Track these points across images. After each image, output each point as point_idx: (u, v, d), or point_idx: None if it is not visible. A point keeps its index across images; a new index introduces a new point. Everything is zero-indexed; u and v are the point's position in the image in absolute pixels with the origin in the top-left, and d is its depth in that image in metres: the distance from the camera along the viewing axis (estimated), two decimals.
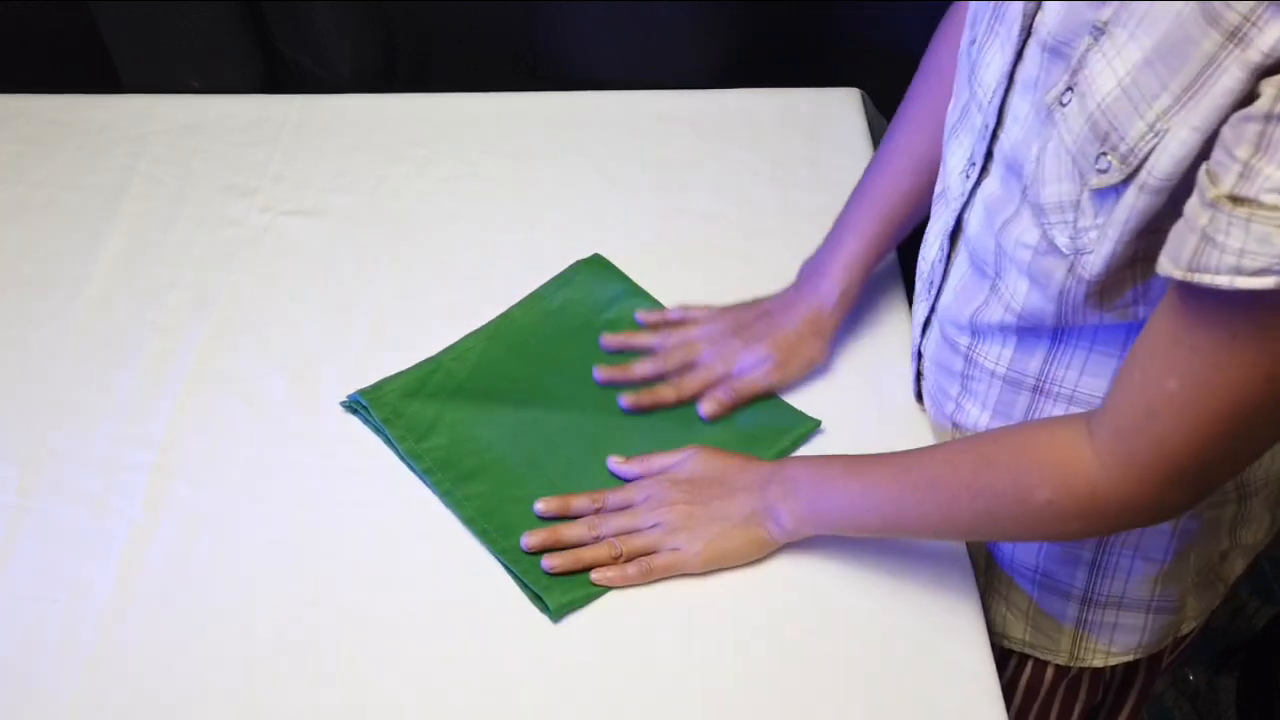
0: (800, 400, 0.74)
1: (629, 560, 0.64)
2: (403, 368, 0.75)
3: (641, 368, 0.73)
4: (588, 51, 0.94)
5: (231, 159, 0.89)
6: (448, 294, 0.80)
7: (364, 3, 0.92)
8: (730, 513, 0.64)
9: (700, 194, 0.86)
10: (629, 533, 0.65)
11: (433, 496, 0.69)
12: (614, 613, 0.64)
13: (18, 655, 0.62)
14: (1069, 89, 0.51)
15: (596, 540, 0.65)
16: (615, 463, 0.68)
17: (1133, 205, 0.50)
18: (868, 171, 0.74)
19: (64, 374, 0.75)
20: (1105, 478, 0.52)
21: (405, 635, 0.64)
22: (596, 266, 0.80)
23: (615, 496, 0.67)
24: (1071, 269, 0.54)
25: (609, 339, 0.75)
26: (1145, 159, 0.48)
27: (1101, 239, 0.51)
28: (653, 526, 0.65)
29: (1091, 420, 0.54)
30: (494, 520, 0.67)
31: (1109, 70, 0.48)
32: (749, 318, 0.73)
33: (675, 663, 0.62)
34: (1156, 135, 0.47)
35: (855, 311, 0.78)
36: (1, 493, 0.69)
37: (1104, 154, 0.49)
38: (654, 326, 0.75)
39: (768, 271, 0.79)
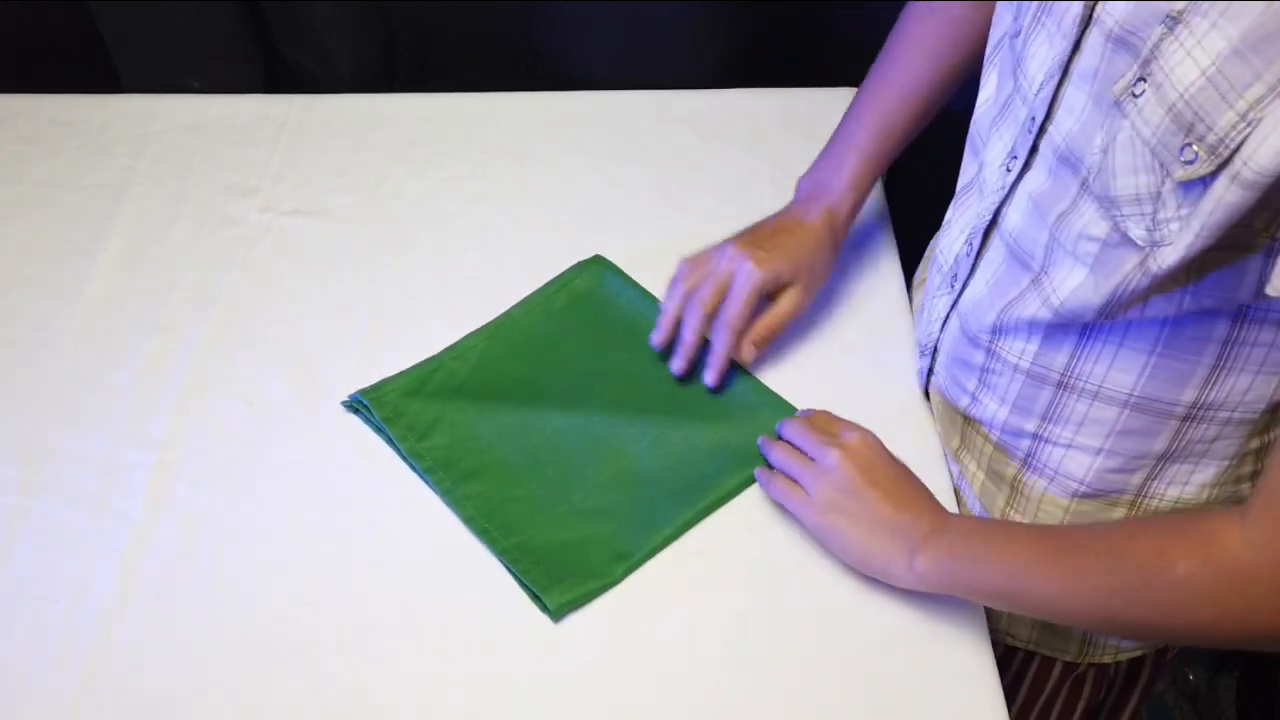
0: (802, 393, 0.74)
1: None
2: (403, 367, 0.75)
3: (688, 328, 0.70)
4: (588, 51, 0.95)
5: (232, 159, 0.89)
6: (448, 294, 0.80)
7: (364, 2, 0.93)
8: (875, 516, 0.62)
9: (701, 194, 0.86)
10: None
11: (433, 496, 0.69)
12: (614, 613, 0.65)
13: (17, 656, 0.62)
14: (1141, 79, 0.50)
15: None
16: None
17: (1221, 198, 0.48)
18: (866, 87, 0.74)
19: (64, 374, 0.75)
20: (1248, 551, 0.50)
21: (406, 635, 0.64)
22: (598, 267, 0.80)
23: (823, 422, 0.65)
24: (1143, 261, 0.53)
25: (657, 337, 0.73)
26: (1237, 149, 0.47)
27: (1184, 230, 0.51)
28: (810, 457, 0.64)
29: (1248, 500, 0.52)
30: (494, 520, 0.67)
31: (1189, 60, 0.48)
32: (764, 233, 0.72)
33: (675, 662, 0.62)
34: (1249, 125, 0.46)
35: (856, 301, 0.77)
36: (1, 493, 0.69)
37: (1189, 144, 0.48)
38: (681, 298, 0.72)
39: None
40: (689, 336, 0.70)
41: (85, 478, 0.70)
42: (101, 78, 0.95)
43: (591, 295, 0.79)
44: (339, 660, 0.62)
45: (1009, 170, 0.60)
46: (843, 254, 0.82)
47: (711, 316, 0.71)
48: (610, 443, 0.70)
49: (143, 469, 0.70)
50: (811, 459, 0.64)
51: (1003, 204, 0.62)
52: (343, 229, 0.84)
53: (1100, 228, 0.54)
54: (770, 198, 0.82)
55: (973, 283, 0.65)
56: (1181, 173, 0.49)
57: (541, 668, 0.62)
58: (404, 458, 0.69)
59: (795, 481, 0.65)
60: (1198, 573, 0.51)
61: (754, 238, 0.72)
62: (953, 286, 0.67)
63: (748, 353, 0.71)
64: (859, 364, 0.76)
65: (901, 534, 0.61)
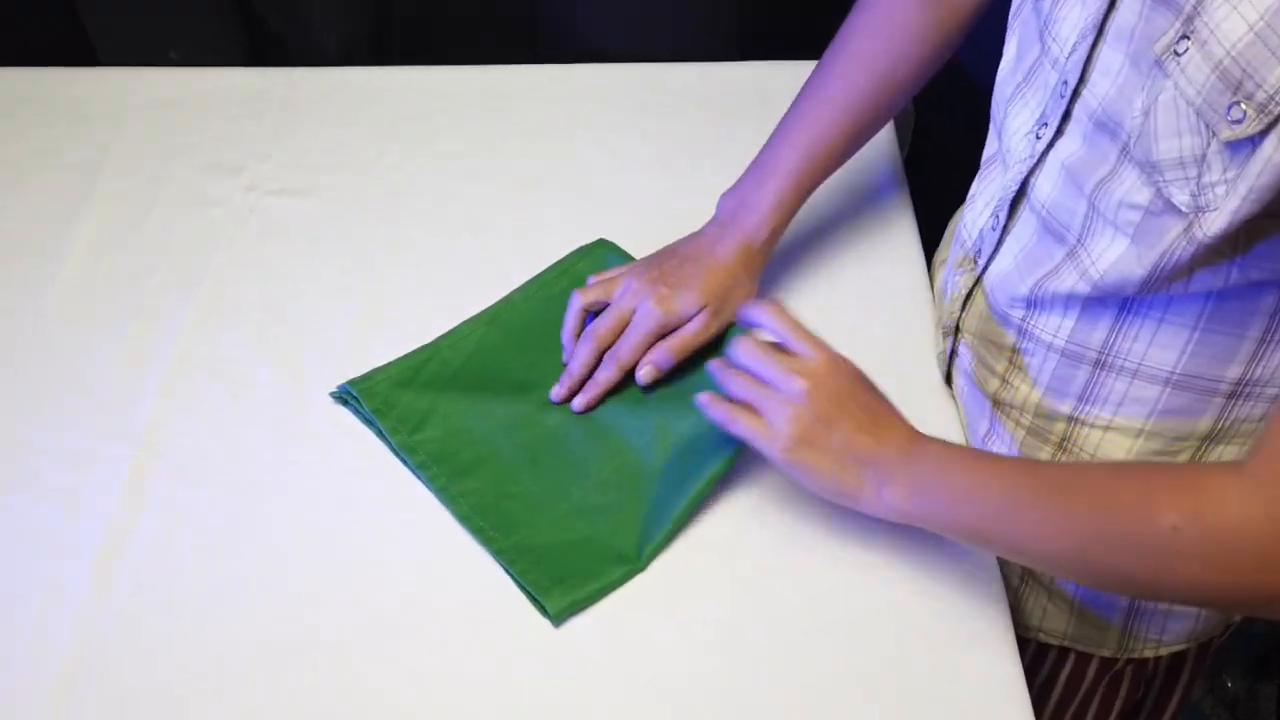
0: None
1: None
2: (396, 355, 0.74)
3: (577, 361, 0.70)
4: (591, 22, 0.95)
5: (215, 135, 0.88)
6: (444, 277, 0.80)
7: None
8: (844, 445, 0.60)
9: (711, 171, 0.85)
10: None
11: (427, 492, 0.68)
12: (617, 615, 0.64)
13: None
14: (1183, 37, 0.50)
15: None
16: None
17: (1270, 158, 0.49)
18: (799, 103, 0.73)
19: (38, 363, 0.75)
20: (1242, 514, 0.50)
21: (401, 636, 0.63)
22: (601, 251, 0.79)
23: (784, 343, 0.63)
24: (1188, 229, 0.53)
25: (566, 337, 0.73)
26: None
27: (1230, 194, 0.50)
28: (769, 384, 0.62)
29: (1247, 453, 0.52)
30: (490, 518, 0.66)
31: (1236, 15, 0.48)
32: (671, 264, 0.71)
33: (679, 667, 0.62)
34: None
35: (871, 286, 0.76)
36: None
37: (1237, 103, 0.48)
38: (583, 312, 0.73)
39: (781, 250, 0.78)
40: (576, 370, 0.70)
41: (59, 473, 0.69)
42: (75, 49, 0.95)
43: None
44: (329, 663, 0.62)
45: (1038, 138, 0.60)
46: (859, 234, 0.80)
47: (606, 350, 0.71)
48: (612, 436, 0.69)
49: (121, 463, 0.70)
50: (774, 387, 0.61)
51: (1031, 173, 0.61)
52: (332, 209, 0.84)
53: (1142, 195, 0.54)
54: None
55: (999, 257, 0.65)
56: (1229, 133, 0.49)
57: (540, 669, 0.61)
58: (396, 452, 0.69)
59: (754, 409, 0.62)
60: (1186, 525, 0.51)
61: (660, 271, 0.71)
62: (977, 262, 0.67)
63: (645, 375, 0.70)
64: (877, 348, 0.74)
65: (874, 463, 0.60)
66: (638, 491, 0.67)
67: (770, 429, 0.61)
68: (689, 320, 0.70)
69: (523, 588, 0.64)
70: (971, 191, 0.69)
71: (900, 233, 0.83)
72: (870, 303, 0.78)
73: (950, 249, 0.73)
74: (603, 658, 0.62)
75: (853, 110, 0.71)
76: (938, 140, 0.82)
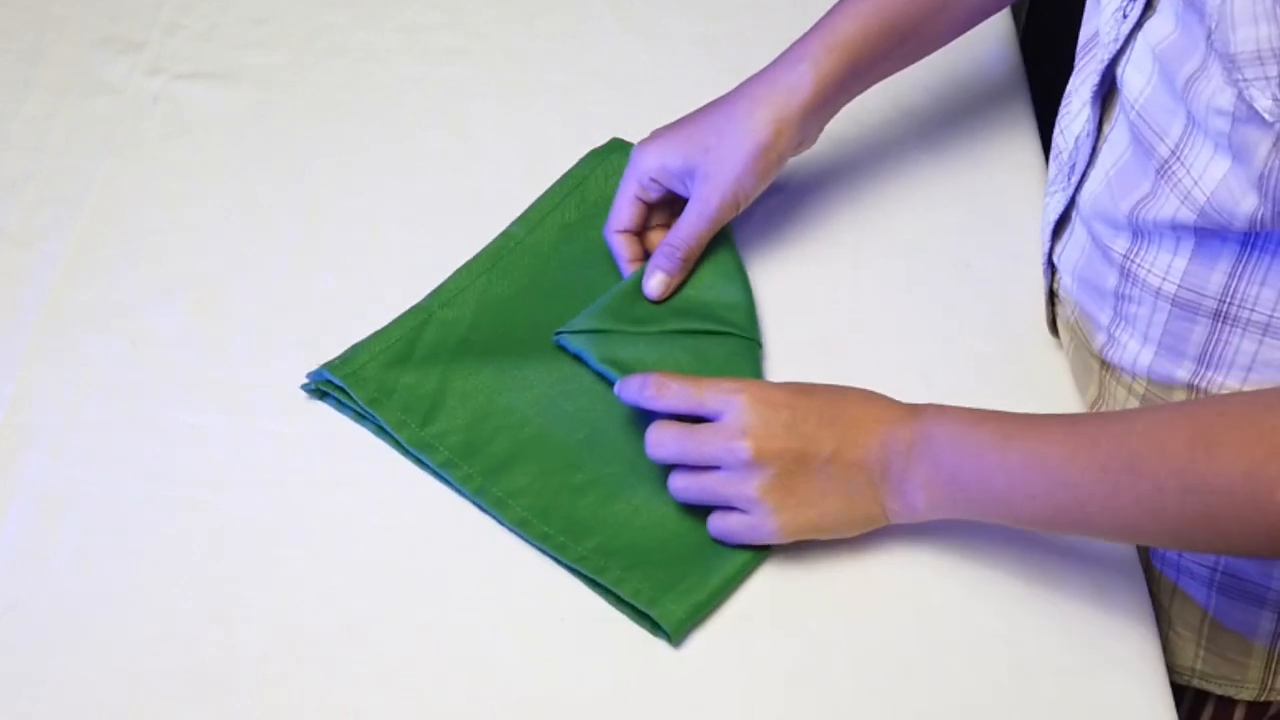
0: (885, 328, 0.73)
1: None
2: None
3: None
4: None
5: (109, 2, 0.86)
6: (413, 193, 0.78)
7: None
8: (836, 488, 0.62)
9: (765, 52, 0.79)
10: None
11: (416, 471, 0.67)
12: (688, 638, 0.63)
13: None
14: None
15: None
16: (641, 391, 0.64)
17: None
18: None
19: None
20: None
21: (360, 679, 0.60)
22: (620, 159, 0.76)
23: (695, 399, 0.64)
24: (1277, 144, 0.52)
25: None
26: None
27: None
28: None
29: None
30: (555, 520, 0.65)
31: None
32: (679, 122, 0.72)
33: (763, 692, 0.61)
34: None
35: (976, 206, 0.76)
36: None
37: None
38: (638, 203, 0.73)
39: (844, 146, 0.77)
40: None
41: None
42: None
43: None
44: (256, 702, 0.60)
45: (1125, 16, 0.59)
46: (967, 143, 0.79)
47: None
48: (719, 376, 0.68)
49: None
50: (719, 470, 0.63)
51: (1115, 61, 0.61)
52: (263, 100, 0.82)
53: (1226, 97, 0.54)
54: None
55: (1092, 172, 0.64)
56: None
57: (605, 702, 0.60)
58: (408, 452, 0.67)
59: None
60: None
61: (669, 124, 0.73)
62: (1070, 178, 0.66)
63: (654, 284, 0.71)
64: (979, 289, 0.74)
65: (881, 470, 0.61)
66: None
67: (748, 519, 0.62)
68: (677, 178, 0.71)
69: (620, 603, 0.62)
70: (1069, 86, 0.68)
71: (1017, 135, 0.81)
72: (975, 230, 0.76)
73: (1050, 159, 0.72)
74: (674, 683, 0.61)
75: None
76: (1057, 8, 0.82)
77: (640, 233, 0.73)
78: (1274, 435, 0.52)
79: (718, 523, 0.63)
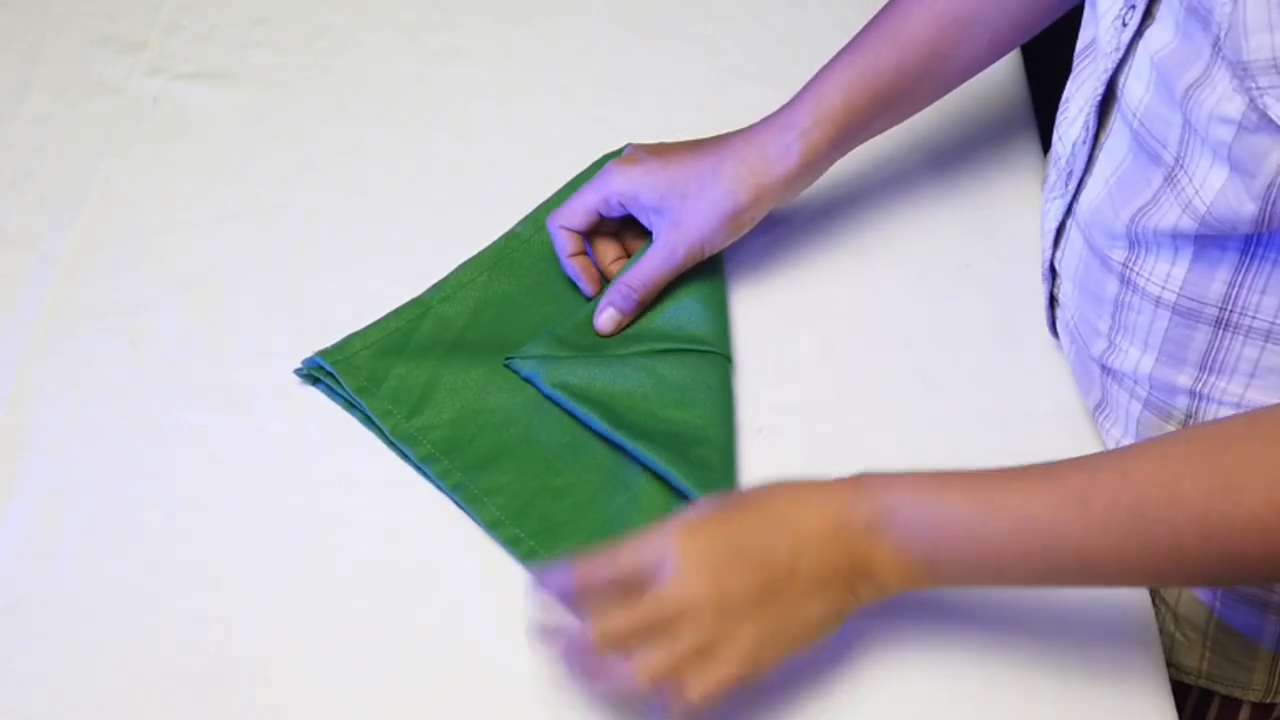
0: (891, 334, 0.72)
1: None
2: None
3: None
4: None
5: (109, 2, 0.87)
6: (417, 195, 0.78)
7: None
8: (802, 586, 0.56)
9: (766, 52, 0.83)
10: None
11: (423, 482, 0.67)
12: None
13: None
14: None
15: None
16: (553, 579, 0.57)
17: None
18: (880, 12, 0.73)
19: None
20: None
21: (359, 679, 0.61)
22: None
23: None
24: None
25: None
26: None
27: None
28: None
29: None
30: (527, 523, 0.65)
31: None
32: (669, 144, 0.72)
33: (766, 706, 0.61)
34: None
35: (972, 210, 0.76)
36: None
37: None
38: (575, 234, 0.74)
39: (878, 147, 0.76)
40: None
41: None
42: None
43: None
44: (254, 703, 0.60)
45: (1124, 24, 0.59)
46: (966, 145, 0.78)
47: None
48: (670, 392, 0.69)
49: None
50: (643, 633, 0.55)
51: (1118, 70, 0.61)
52: (263, 100, 0.82)
53: (1234, 105, 0.53)
54: None
55: (1090, 179, 0.64)
56: None
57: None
58: (391, 443, 0.67)
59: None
60: None
61: (654, 145, 0.72)
62: (1067, 186, 0.66)
63: (605, 320, 0.70)
64: (979, 291, 0.74)
65: (847, 568, 0.56)
66: (716, 470, 0.67)
67: (729, 669, 0.55)
68: (644, 210, 0.70)
69: None
70: (1065, 94, 0.68)
71: (1017, 137, 0.81)
72: (975, 232, 0.76)
73: (1048, 165, 0.72)
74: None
75: (941, 21, 0.70)
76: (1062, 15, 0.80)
77: (585, 234, 0.73)
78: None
79: (704, 682, 0.55)
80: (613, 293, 0.70)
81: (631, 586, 0.55)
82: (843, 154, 0.72)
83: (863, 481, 0.56)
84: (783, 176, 0.70)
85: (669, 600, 0.54)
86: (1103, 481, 0.54)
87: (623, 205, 0.70)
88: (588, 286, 0.71)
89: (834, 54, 0.72)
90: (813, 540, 0.55)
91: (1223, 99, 0.53)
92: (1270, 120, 0.51)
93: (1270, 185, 0.53)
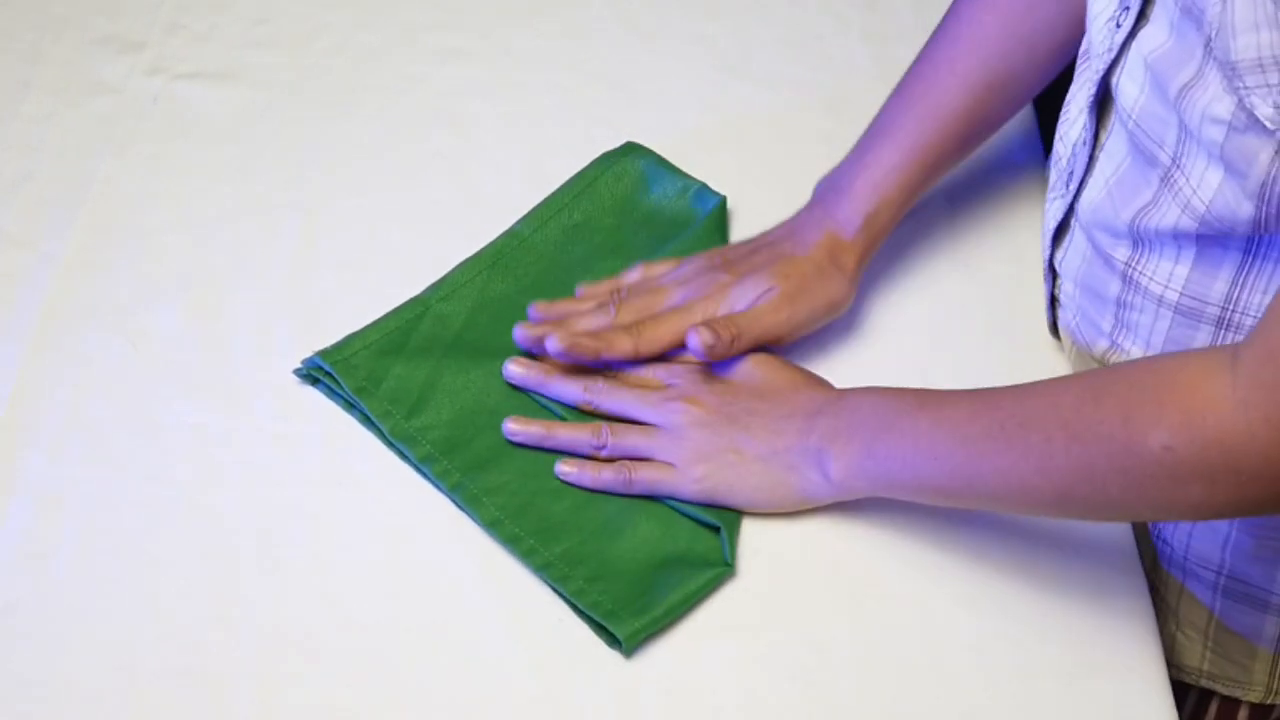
0: (892, 334, 0.73)
1: (611, 458, 0.66)
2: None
3: (583, 320, 0.69)
4: None
5: (109, 2, 0.87)
6: (416, 195, 0.78)
7: None
8: (759, 443, 0.64)
9: (767, 52, 0.84)
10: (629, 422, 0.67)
11: (425, 484, 0.67)
12: (676, 643, 0.63)
13: None
14: None
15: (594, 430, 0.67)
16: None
17: None
18: (919, 58, 0.73)
19: None
20: (1239, 416, 0.51)
21: (359, 679, 0.61)
22: (631, 161, 0.78)
23: (638, 372, 0.68)
24: (1279, 152, 0.52)
25: (537, 309, 0.71)
26: None
27: None
28: (652, 425, 0.66)
29: (1240, 346, 0.52)
30: (526, 523, 0.65)
31: None
32: (741, 251, 0.72)
33: (756, 700, 0.61)
34: None
35: (972, 210, 0.76)
36: None
37: None
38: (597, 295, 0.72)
39: (845, 148, 0.78)
40: (556, 345, 0.68)
41: None
42: None
43: (626, 200, 0.77)
44: (258, 707, 0.59)
45: (1118, 26, 0.60)
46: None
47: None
48: None
49: None
50: (648, 423, 0.66)
51: (1110, 72, 0.61)
52: (262, 100, 0.82)
53: (1224, 106, 0.54)
54: (862, 58, 0.80)
55: (1091, 180, 0.65)
56: None
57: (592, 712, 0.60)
58: (390, 443, 0.67)
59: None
60: (1180, 445, 0.52)
61: (723, 259, 0.71)
62: (1068, 186, 0.67)
63: (700, 340, 0.67)
64: (980, 291, 0.74)
65: (803, 446, 0.63)
66: None
67: (671, 469, 0.65)
68: (756, 302, 0.69)
69: (579, 611, 0.63)
70: (1068, 94, 0.68)
71: (1018, 137, 0.81)
72: (976, 232, 0.76)
73: (1049, 167, 0.73)
74: (672, 683, 0.61)
75: (987, 63, 0.70)
76: None
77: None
78: (1153, 382, 0.54)
79: (635, 472, 0.65)
80: (722, 329, 0.67)
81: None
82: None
83: (849, 390, 0.64)
84: (855, 266, 0.71)
85: (665, 400, 0.65)
86: (1011, 395, 0.59)
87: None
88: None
89: (873, 117, 0.73)
90: (787, 419, 0.64)
91: (1214, 99, 0.54)
92: (1257, 120, 0.52)
93: (1263, 185, 0.53)
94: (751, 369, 0.66)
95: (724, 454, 0.64)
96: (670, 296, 0.69)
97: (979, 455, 0.58)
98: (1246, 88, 0.52)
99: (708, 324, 0.67)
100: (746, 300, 0.68)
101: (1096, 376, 0.58)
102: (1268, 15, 0.50)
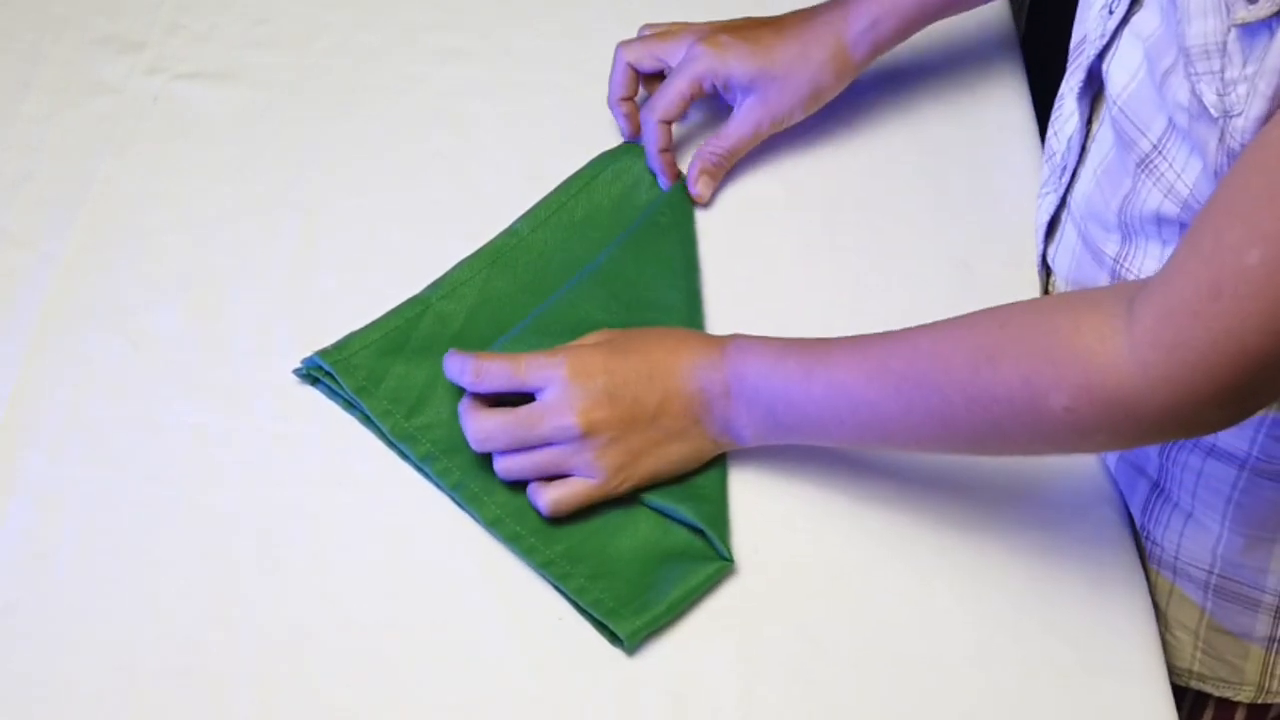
0: (885, 329, 0.72)
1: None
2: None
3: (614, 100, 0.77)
4: None
5: (109, 2, 0.87)
6: (417, 194, 0.78)
7: None
8: (669, 437, 0.64)
9: None
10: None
11: (426, 484, 0.67)
12: (668, 641, 0.63)
13: None
14: None
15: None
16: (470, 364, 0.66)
17: None
18: None
19: None
20: (1139, 376, 0.52)
21: (359, 679, 0.61)
22: (631, 160, 0.78)
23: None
24: (1222, 139, 0.52)
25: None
26: None
27: (1251, 95, 0.50)
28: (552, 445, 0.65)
29: (1136, 298, 0.53)
30: (528, 521, 0.65)
31: None
32: (739, 24, 0.76)
33: (743, 698, 0.61)
34: None
35: (967, 210, 0.76)
36: None
37: None
38: (631, 71, 0.78)
39: (845, 146, 0.78)
40: (616, 101, 0.78)
41: None
42: None
43: (626, 199, 0.77)
44: (258, 707, 0.59)
45: (1111, 13, 0.60)
46: (965, 143, 0.80)
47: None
48: None
49: None
50: (547, 442, 0.65)
51: (1102, 56, 0.61)
52: (263, 100, 0.83)
53: (1183, 91, 0.55)
54: (882, 59, 0.78)
55: (1083, 171, 0.65)
56: (1243, 13, 0.49)
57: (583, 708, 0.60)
58: (391, 443, 0.67)
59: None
60: (1080, 405, 0.54)
61: (728, 26, 0.76)
62: (1061, 179, 0.67)
63: (702, 186, 0.76)
64: (979, 291, 0.73)
65: (703, 412, 0.64)
66: (708, 467, 0.67)
67: (594, 481, 0.64)
68: (734, 89, 0.75)
69: (580, 609, 0.63)
70: (1060, 89, 0.68)
71: (1016, 136, 0.81)
72: (975, 231, 0.77)
73: (1043, 160, 0.73)
74: (671, 683, 0.61)
75: None
76: (1056, 11, 0.82)
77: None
78: (1049, 345, 0.54)
79: (546, 493, 0.64)
80: (702, 161, 0.75)
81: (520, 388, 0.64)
82: (905, 39, 0.77)
83: (728, 347, 0.64)
84: (857, 63, 0.75)
85: (540, 415, 0.63)
86: (898, 353, 0.60)
87: (714, 86, 0.75)
88: (627, 127, 0.77)
89: None
90: (677, 397, 0.63)
91: (1179, 86, 0.54)
92: (1205, 107, 0.52)
93: (1215, 173, 0.54)
94: (622, 348, 0.65)
95: (639, 458, 0.64)
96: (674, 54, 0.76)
97: (885, 417, 0.60)
98: (1197, 74, 0.52)
99: (701, 168, 0.75)
100: (736, 67, 0.73)
101: (983, 331, 0.58)
102: (1214, 3, 0.50)
